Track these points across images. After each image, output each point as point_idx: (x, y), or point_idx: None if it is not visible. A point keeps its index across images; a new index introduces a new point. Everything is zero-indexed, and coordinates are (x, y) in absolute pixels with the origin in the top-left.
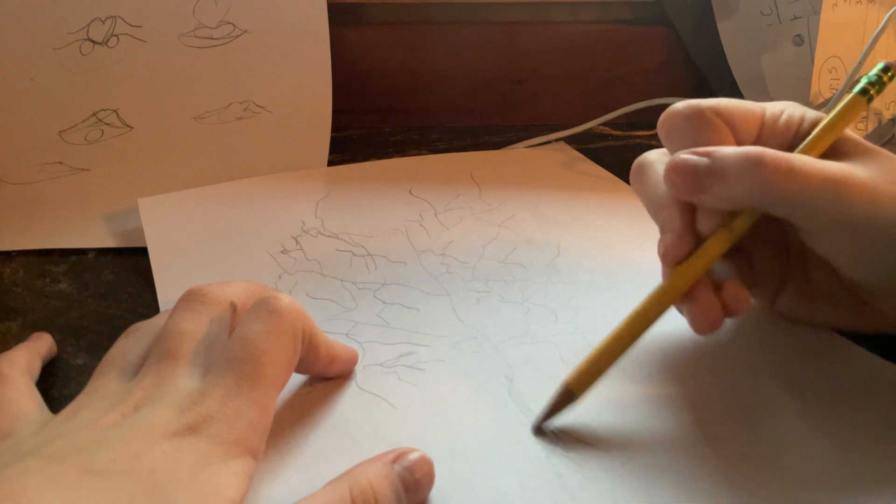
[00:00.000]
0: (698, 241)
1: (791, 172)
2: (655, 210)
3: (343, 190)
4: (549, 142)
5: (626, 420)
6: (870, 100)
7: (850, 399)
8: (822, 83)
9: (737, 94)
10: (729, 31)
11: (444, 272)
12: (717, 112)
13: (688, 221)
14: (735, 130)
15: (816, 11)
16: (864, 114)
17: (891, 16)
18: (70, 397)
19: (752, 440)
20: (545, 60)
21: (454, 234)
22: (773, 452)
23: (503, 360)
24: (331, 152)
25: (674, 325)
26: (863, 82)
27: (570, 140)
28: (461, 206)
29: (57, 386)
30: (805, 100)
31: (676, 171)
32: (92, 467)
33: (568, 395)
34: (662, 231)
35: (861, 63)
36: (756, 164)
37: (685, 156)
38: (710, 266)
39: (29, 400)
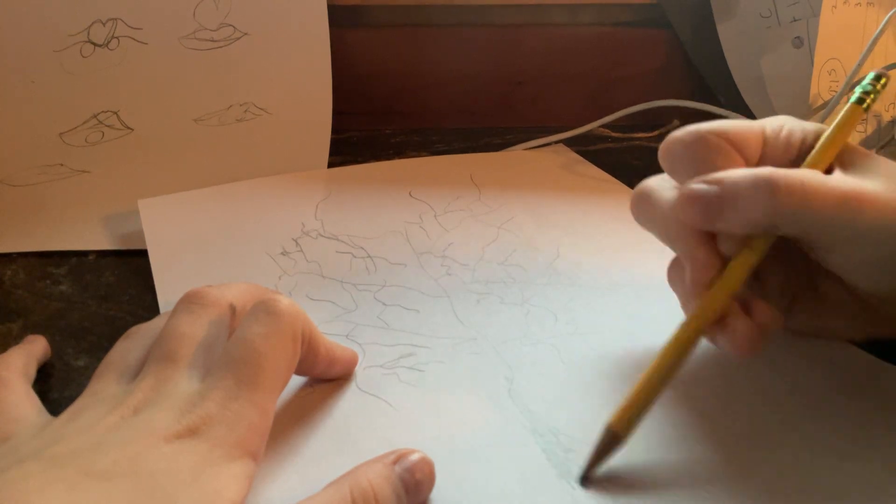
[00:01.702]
0: (722, 264)
1: (804, 193)
2: (671, 240)
3: (343, 192)
4: (548, 144)
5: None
6: (866, 109)
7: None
8: (821, 85)
9: (737, 95)
10: (729, 33)
11: (443, 274)
12: (720, 134)
13: (708, 248)
14: (739, 151)
15: (816, 13)
16: (863, 117)
17: (890, 18)
18: (70, 399)
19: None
20: (545, 62)
21: (454, 236)
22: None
23: (503, 361)
24: (331, 154)
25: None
26: (858, 92)
27: (569, 142)
28: (461, 209)
29: (57, 388)
30: (805, 101)
31: (688, 203)
32: (92, 470)
33: (614, 439)
34: (684, 260)
35: (860, 65)
36: (769, 187)
37: (695, 186)
38: (739, 288)
39: (27, 402)
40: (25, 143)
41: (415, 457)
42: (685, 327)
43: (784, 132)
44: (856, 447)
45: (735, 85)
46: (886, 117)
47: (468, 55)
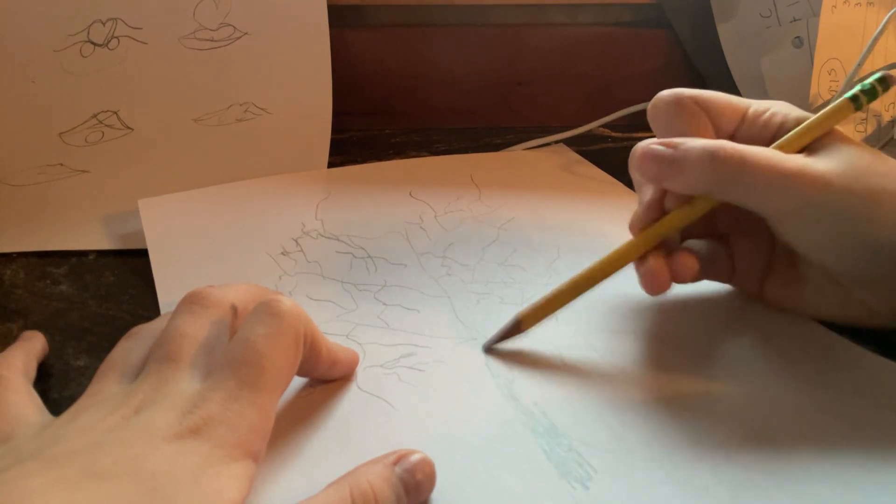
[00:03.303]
0: (660, 214)
1: (742, 165)
2: (637, 188)
3: (343, 192)
4: (548, 144)
5: (623, 420)
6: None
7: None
8: (821, 85)
9: (737, 95)
10: (729, 33)
11: (444, 274)
12: (698, 101)
13: (655, 197)
14: (715, 121)
15: (816, 13)
16: (863, 116)
17: (890, 18)
18: (70, 399)
19: (747, 435)
20: (545, 62)
21: (454, 237)
22: (766, 445)
23: (503, 361)
24: (331, 154)
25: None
26: (856, 89)
27: (569, 142)
28: (461, 209)
29: (57, 387)
30: (805, 101)
31: (644, 159)
32: (93, 470)
33: (517, 326)
34: (639, 202)
35: (860, 65)
36: (711, 156)
37: (654, 146)
38: (665, 234)
39: (28, 402)
40: (25, 143)
41: (415, 457)
42: (610, 255)
43: (767, 114)
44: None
45: (735, 85)
46: (886, 117)
47: (468, 55)
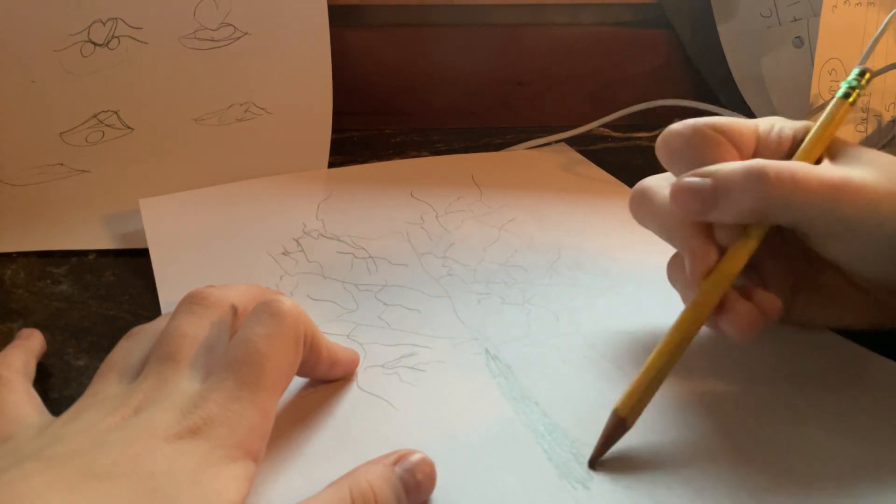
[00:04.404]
0: (719, 253)
1: (794, 181)
2: (669, 234)
3: (344, 192)
4: (548, 143)
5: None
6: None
7: (855, 399)
8: (822, 85)
9: (737, 95)
10: (729, 33)
11: (445, 274)
12: (717, 129)
13: (705, 238)
14: (734, 145)
15: (816, 13)
16: (863, 116)
17: (891, 18)
18: (70, 398)
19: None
20: (545, 62)
21: (455, 237)
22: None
23: (504, 361)
24: (331, 154)
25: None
26: (844, 87)
27: (569, 142)
28: (462, 209)
29: (57, 387)
30: (805, 101)
31: (683, 195)
32: (92, 470)
33: (620, 424)
34: (683, 252)
35: (861, 64)
36: (759, 177)
37: (689, 179)
38: (736, 275)
39: (28, 402)
40: (26, 143)
41: (415, 457)
42: (686, 314)
43: (776, 129)
44: (849, 432)
45: (735, 85)
46: (887, 117)
47: (469, 55)
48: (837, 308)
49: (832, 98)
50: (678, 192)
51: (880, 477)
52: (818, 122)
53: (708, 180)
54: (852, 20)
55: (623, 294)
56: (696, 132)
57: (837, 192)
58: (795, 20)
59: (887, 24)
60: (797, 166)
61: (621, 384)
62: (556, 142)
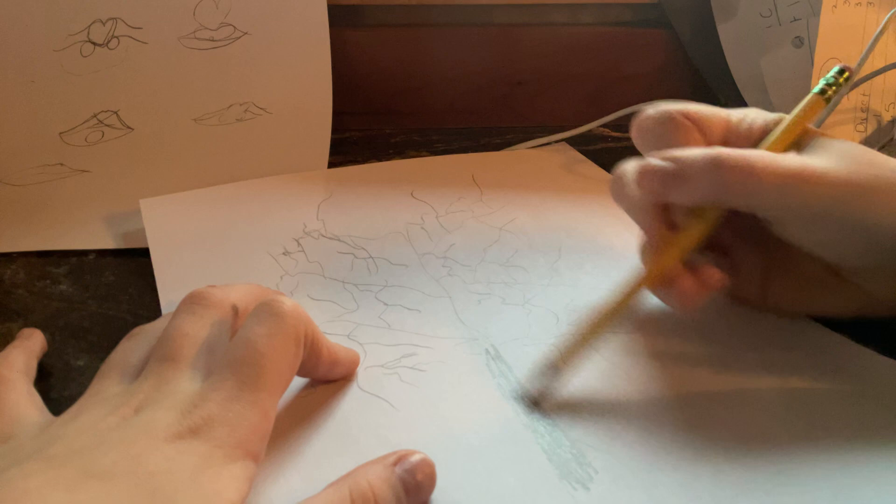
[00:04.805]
0: (674, 232)
1: (749, 169)
2: (634, 213)
3: (345, 192)
4: (548, 143)
5: (624, 421)
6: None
7: (836, 391)
8: None
9: (737, 95)
10: (729, 33)
11: (445, 275)
12: (687, 115)
13: (661, 217)
14: (703, 132)
15: (816, 13)
16: (863, 117)
17: (890, 17)
18: (70, 398)
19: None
20: (545, 62)
21: (455, 238)
22: (760, 445)
23: (504, 361)
24: (331, 154)
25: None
26: (821, 83)
27: (569, 142)
28: (462, 209)
29: (57, 387)
30: None
31: (646, 176)
32: (92, 470)
33: (554, 372)
34: (642, 229)
35: (860, 65)
36: (716, 163)
37: (653, 161)
38: (685, 252)
39: (29, 402)
40: (25, 143)
41: (416, 458)
42: (629, 282)
43: (748, 120)
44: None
45: (735, 85)
46: (886, 117)
47: (469, 55)
48: (812, 295)
49: (840, 96)
50: (642, 173)
51: (882, 474)
52: (789, 116)
53: (670, 163)
54: (852, 20)
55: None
56: (666, 117)
57: (792, 180)
58: (795, 20)
59: (886, 23)
60: (754, 154)
61: (622, 384)
62: (556, 142)
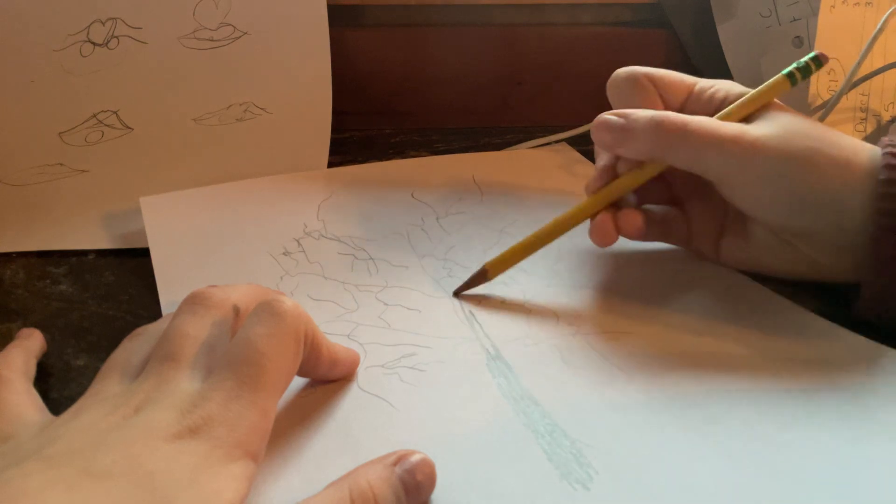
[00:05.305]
0: (613, 180)
1: (685, 131)
2: (595, 156)
3: (345, 192)
4: (548, 143)
5: (625, 421)
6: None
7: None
8: (820, 85)
9: None
10: (728, 33)
11: (445, 276)
12: (650, 78)
13: (608, 163)
14: (664, 96)
15: (816, 13)
16: (863, 116)
17: (888, 17)
18: (70, 398)
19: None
20: (545, 62)
21: (456, 240)
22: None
23: (504, 361)
24: (331, 154)
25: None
26: (792, 66)
27: (569, 142)
28: (463, 211)
29: (57, 387)
30: (804, 101)
31: (599, 128)
32: (92, 469)
33: (483, 274)
34: (595, 170)
35: (860, 64)
36: (657, 124)
37: (607, 116)
38: (617, 195)
39: (28, 402)
40: (25, 143)
41: (415, 458)
42: (565, 213)
43: (712, 90)
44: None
45: None
46: (886, 117)
47: (468, 55)
48: (760, 255)
49: (840, 94)
50: (596, 125)
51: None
52: (752, 91)
53: (621, 120)
54: (851, 20)
55: (623, 294)
56: (633, 78)
57: (726, 143)
58: (795, 20)
59: (885, 23)
60: (694, 119)
61: (622, 384)
62: (556, 142)
